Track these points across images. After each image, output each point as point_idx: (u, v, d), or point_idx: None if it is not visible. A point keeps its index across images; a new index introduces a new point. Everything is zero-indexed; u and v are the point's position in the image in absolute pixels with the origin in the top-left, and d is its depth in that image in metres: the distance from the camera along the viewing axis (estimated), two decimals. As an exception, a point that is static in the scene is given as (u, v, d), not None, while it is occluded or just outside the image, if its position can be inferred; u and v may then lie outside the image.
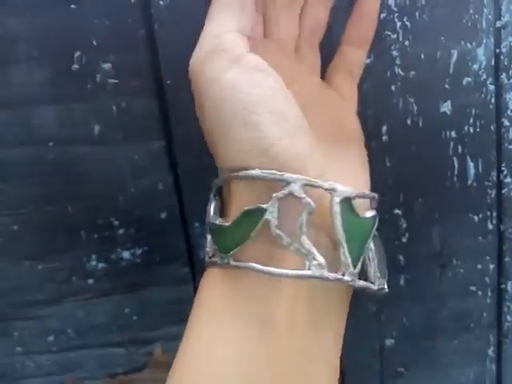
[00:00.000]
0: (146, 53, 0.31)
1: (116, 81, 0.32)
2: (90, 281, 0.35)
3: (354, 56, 0.31)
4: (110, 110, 0.32)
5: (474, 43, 0.34)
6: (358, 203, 0.25)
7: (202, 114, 0.25)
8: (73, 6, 0.30)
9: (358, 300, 0.38)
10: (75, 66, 0.31)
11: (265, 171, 0.23)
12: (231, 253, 0.24)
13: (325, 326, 0.26)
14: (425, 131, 0.35)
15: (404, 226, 0.37)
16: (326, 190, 0.24)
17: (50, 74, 0.31)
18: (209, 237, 0.26)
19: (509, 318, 0.40)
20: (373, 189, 0.35)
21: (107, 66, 0.31)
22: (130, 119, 0.32)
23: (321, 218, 0.24)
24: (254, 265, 0.24)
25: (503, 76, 0.35)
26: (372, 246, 0.25)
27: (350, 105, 0.32)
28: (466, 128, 0.35)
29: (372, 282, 0.25)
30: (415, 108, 0.34)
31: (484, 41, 0.34)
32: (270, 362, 0.24)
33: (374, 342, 0.40)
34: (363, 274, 0.26)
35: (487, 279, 0.39)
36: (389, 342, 0.40)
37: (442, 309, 0.40)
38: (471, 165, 0.36)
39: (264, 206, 0.24)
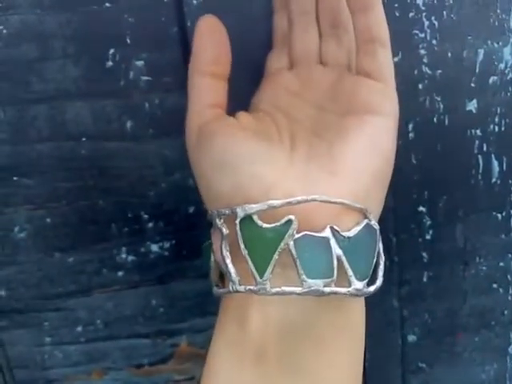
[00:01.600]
0: (179, 50, 0.32)
1: (149, 78, 0.32)
2: (120, 273, 0.36)
3: (365, 21, 0.28)
4: (143, 106, 0.33)
5: (500, 42, 0.34)
6: (274, 213, 0.25)
7: None
8: (107, 4, 0.31)
9: (382, 295, 0.39)
10: (109, 63, 0.32)
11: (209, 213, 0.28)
12: (213, 281, 0.29)
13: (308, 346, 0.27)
14: (450, 129, 0.35)
15: (428, 223, 0.37)
16: (232, 214, 0.26)
17: (84, 71, 0.32)
18: None
19: (530, 315, 0.41)
20: (398, 186, 0.36)
21: (140, 63, 0.32)
22: (162, 115, 0.33)
23: (235, 240, 0.26)
24: (213, 288, 0.28)
25: (529, 75, 0.35)
26: (293, 250, 0.25)
27: (377, 85, 0.28)
28: (491, 126, 0.36)
29: (299, 285, 0.25)
30: (441, 106, 0.35)
31: (511, 40, 0.34)
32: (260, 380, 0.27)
33: (397, 337, 0.40)
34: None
35: (509, 277, 0.40)
36: (411, 337, 0.40)
37: (464, 306, 0.40)
38: (495, 163, 0.37)
39: (209, 241, 0.28)
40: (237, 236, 0.26)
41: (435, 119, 0.35)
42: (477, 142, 0.36)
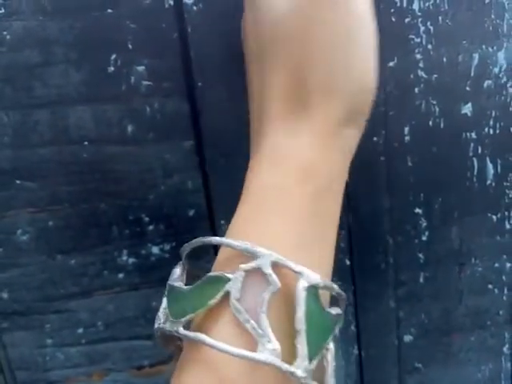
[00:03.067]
0: (179, 56, 0.32)
1: (149, 83, 0.33)
2: (121, 275, 0.36)
3: None
4: (143, 110, 0.33)
5: (495, 47, 0.35)
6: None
7: None
8: (109, 11, 0.31)
9: (378, 296, 0.39)
10: (111, 69, 0.32)
11: (237, 242, 0.23)
12: (183, 319, 0.23)
13: None
14: (446, 132, 0.36)
15: (424, 224, 0.38)
16: (294, 271, 0.22)
17: (86, 76, 0.32)
18: (164, 301, 0.25)
19: (525, 315, 0.41)
20: (395, 188, 0.36)
21: (141, 68, 0.32)
22: (162, 120, 0.33)
23: (283, 301, 0.22)
24: (203, 336, 0.22)
25: (523, 79, 0.35)
26: (332, 347, 0.22)
27: None
28: (486, 129, 0.36)
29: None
30: (437, 110, 0.35)
31: (505, 45, 0.34)
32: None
33: (393, 337, 0.41)
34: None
35: (504, 277, 0.40)
36: (407, 337, 0.41)
37: (460, 306, 0.40)
38: (490, 165, 0.37)
39: (229, 275, 0.22)
40: (296, 303, 0.21)
41: (431, 122, 0.36)
42: (472, 144, 0.36)
